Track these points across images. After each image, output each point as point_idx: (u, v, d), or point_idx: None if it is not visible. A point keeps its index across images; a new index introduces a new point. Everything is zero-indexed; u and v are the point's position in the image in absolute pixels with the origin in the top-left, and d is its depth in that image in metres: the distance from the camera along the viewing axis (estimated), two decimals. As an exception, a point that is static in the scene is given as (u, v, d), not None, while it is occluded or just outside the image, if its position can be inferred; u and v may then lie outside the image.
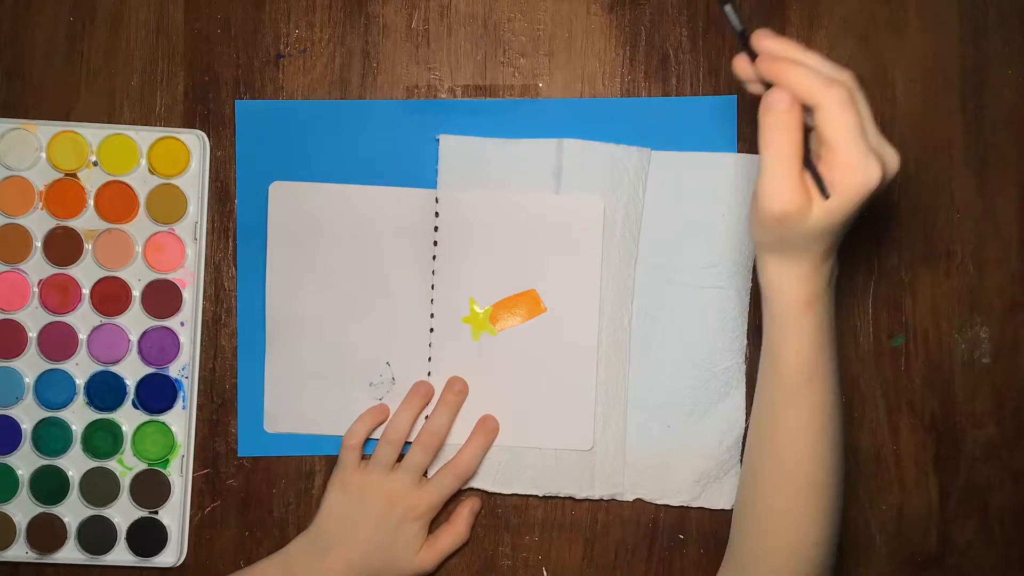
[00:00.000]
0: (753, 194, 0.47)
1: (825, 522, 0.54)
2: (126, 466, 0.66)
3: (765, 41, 0.46)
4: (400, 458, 0.64)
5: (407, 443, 0.65)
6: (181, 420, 0.66)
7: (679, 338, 0.66)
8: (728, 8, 0.46)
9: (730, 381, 0.66)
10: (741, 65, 0.48)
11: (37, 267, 0.66)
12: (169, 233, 0.66)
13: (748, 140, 0.66)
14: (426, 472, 0.65)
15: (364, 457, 0.65)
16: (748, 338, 0.66)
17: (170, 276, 0.66)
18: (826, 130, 0.44)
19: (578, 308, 0.65)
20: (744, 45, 0.47)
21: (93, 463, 0.66)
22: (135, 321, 0.66)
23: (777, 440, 0.53)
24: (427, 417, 0.65)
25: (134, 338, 0.66)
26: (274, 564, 0.63)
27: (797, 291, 0.49)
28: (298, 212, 0.66)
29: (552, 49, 0.67)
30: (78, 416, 0.66)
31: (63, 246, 0.66)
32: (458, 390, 0.65)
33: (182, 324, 0.66)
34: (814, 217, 0.46)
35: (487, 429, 0.65)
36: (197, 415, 0.67)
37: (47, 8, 0.67)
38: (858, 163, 0.44)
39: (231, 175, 0.67)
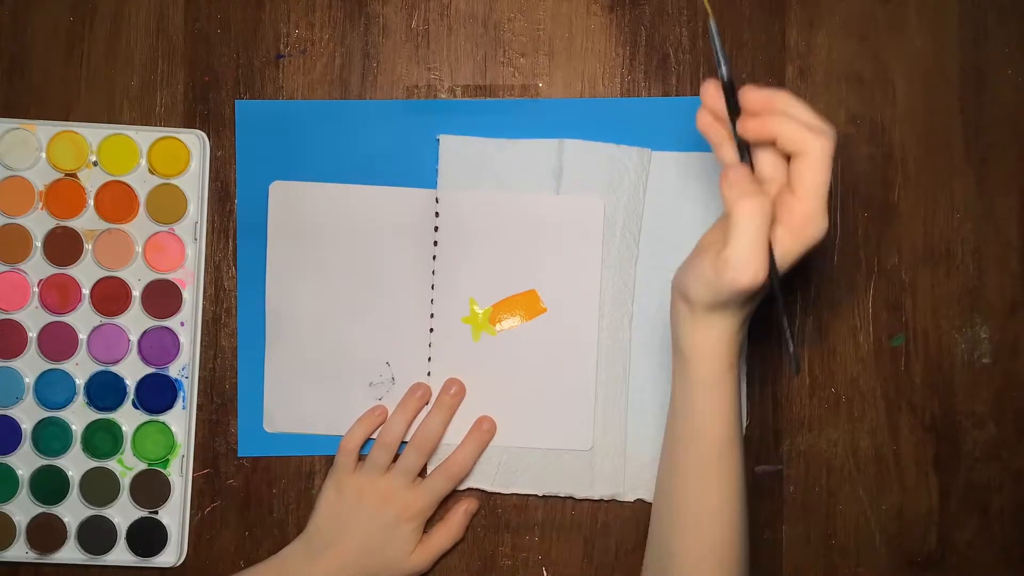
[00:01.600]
0: (701, 253, 0.48)
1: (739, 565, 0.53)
2: (126, 466, 0.66)
3: (753, 94, 0.47)
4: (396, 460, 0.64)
5: (404, 444, 0.65)
6: (181, 420, 0.66)
7: (679, 338, 0.65)
8: (715, 35, 0.48)
9: (730, 381, 0.66)
10: (707, 122, 0.50)
11: (37, 267, 0.66)
12: (169, 233, 0.66)
13: (748, 140, 0.66)
14: (424, 473, 0.65)
15: (361, 459, 0.65)
16: (748, 338, 0.66)
17: (170, 276, 0.66)
18: (804, 178, 0.45)
19: (578, 308, 0.65)
20: (729, 94, 0.48)
21: (93, 463, 0.66)
22: (135, 321, 0.66)
23: (702, 512, 0.52)
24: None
25: (134, 338, 0.66)
26: (268, 567, 0.63)
27: (725, 353, 0.50)
28: (298, 212, 0.66)
29: (552, 49, 0.67)
30: (78, 416, 0.66)
31: (63, 246, 0.66)
32: (454, 392, 0.65)
33: (182, 324, 0.66)
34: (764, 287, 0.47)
35: (482, 430, 0.65)
36: (197, 415, 0.67)
37: (47, 8, 0.67)
38: (819, 216, 0.46)
39: (231, 175, 0.67)
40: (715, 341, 0.50)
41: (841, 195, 0.67)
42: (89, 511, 0.66)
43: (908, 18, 0.67)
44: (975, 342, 0.67)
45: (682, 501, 0.53)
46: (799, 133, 0.45)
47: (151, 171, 0.66)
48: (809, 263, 0.66)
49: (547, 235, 0.65)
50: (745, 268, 0.45)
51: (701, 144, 0.65)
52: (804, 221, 0.45)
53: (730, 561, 0.52)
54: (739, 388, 0.51)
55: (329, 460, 0.66)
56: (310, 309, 0.66)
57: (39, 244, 0.66)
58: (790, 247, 0.46)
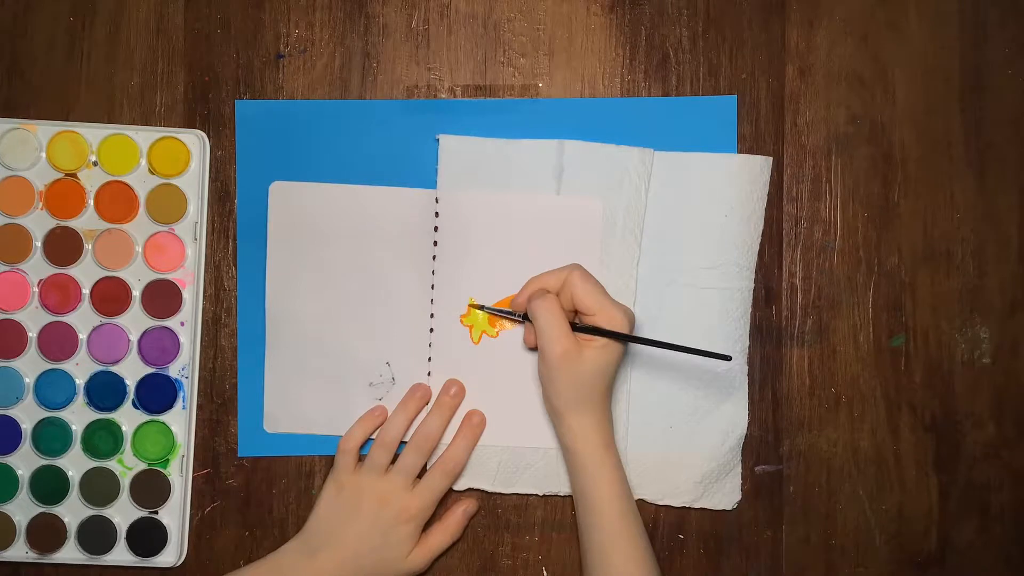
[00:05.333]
0: (538, 361, 0.60)
1: None
2: (126, 466, 0.66)
3: (519, 299, 0.62)
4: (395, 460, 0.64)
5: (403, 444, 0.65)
6: (181, 420, 0.66)
7: (681, 339, 0.65)
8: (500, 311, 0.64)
9: (732, 382, 0.66)
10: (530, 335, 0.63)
11: (37, 267, 0.66)
12: (169, 233, 0.66)
13: (748, 140, 0.66)
14: (423, 474, 0.65)
15: (360, 459, 0.65)
16: (750, 338, 0.66)
17: (170, 276, 0.66)
18: (581, 299, 0.59)
19: (578, 308, 0.65)
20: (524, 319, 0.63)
21: (93, 463, 0.66)
22: (135, 321, 0.66)
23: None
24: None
25: (134, 338, 0.66)
26: (265, 565, 0.63)
27: (598, 437, 0.60)
28: (298, 212, 0.66)
29: (552, 49, 0.67)
30: (78, 416, 0.66)
31: (63, 246, 0.66)
32: (453, 393, 0.65)
33: (182, 324, 0.66)
34: (591, 356, 0.59)
35: (473, 424, 0.65)
36: (197, 415, 0.67)
37: (47, 8, 0.67)
38: (615, 310, 0.59)
39: (231, 175, 0.67)
40: (587, 429, 0.60)
41: (841, 195, 0.67)
42: (89, 511, 0.66)
43: (908, 18, 0.67)
44: (975, 342, 0.67)
45: (596, 568, 0.60)
46: (555, 278, 0.61)
47: (151, 171, 0.66)
48: (809, 263, 0.67)
49: (547, 235, 0.65)
50: (552, 343, 0.58)
51: (701, 144, 0.66)
52: (607, 318, 0.58)
53: None
54: (620, 464, 0.61)
55: (329, 460, 0.66)
56: (310, 309, 0.66)
57: (39, 244, 0.66)
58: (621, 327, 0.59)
